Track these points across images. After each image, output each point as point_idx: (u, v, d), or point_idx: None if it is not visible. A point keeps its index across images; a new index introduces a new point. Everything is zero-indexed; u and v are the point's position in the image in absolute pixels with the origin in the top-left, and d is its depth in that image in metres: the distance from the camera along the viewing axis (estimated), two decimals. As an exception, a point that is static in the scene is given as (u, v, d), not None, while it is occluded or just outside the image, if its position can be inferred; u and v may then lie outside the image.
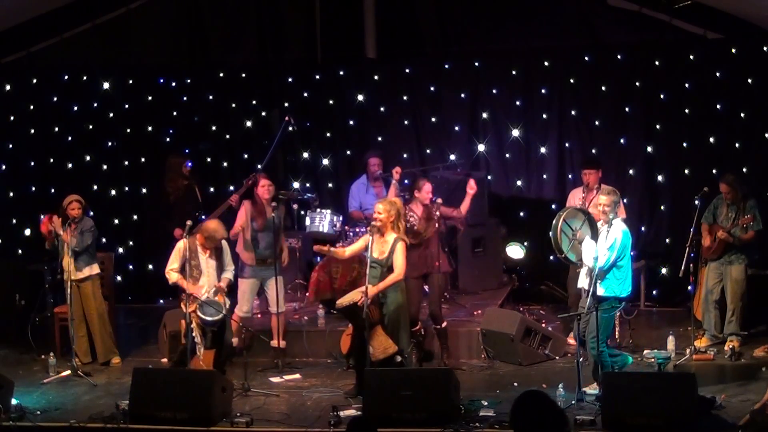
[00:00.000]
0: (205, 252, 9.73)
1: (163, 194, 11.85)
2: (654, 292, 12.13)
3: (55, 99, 13.22)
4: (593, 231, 8.93)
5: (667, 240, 12.03)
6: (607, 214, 8.92)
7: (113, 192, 13.23)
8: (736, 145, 11.88)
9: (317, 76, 13.01)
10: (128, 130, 13.19)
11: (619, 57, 12.19)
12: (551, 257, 12.40)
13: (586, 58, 12.35)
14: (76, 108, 13.22)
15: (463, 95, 12.71)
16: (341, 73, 12.98)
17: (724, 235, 10.35)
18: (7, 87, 13.09)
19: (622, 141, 12.32)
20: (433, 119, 12.80)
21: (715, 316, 10.59)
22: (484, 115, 12.68)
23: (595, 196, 10.68)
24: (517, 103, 12.62)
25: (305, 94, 13.02)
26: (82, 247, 10.40)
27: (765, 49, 11.63)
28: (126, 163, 13.22)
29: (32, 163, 13.28)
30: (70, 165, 13.22)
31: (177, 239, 10.06)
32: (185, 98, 13.16)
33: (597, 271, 8.78)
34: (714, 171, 11.56)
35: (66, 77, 13.21)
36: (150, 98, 13.15)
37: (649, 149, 12.24)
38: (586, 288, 8.99)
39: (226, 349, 9.86)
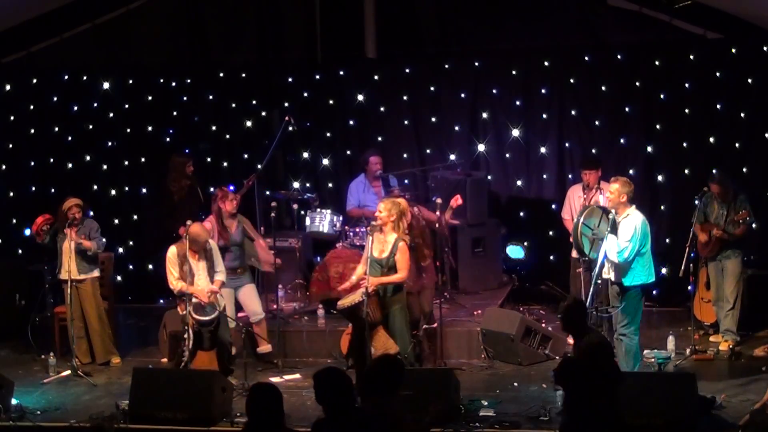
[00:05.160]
0: (194, 256, 9.77)
1: (165, 194, 11.83)
2: (654, 292, 12.08)
3: (55, 99, 13.20)
4: (611, 225, 9.12)
5: (667, 240, 12.01)
6: (615, 203, 9.14)
7: (113, 192, 13.21)
8: (736, 145, 11.87)
9: (317, 76, 12.99)
10: (128, 130, 13.17)
11: (619, 57, 12.17)
12: (551, 257, 12.44)
13: (586, 58, 12.33)
14: (76, 108, 13.20)
15: (463, 95, 12.69)
16: (341, 73, 12.96)
17: (720, 233, 10.37)
18: (7, 87, 13.08)
19: (622, 141, 12.31)
20: (433, 119, 12.78)
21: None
22: (484, 115, 12.66)
23: (594, 195, 10.74)
24: (517, 103, 12.60)
25: (305, 94, 12.99)
26: (102, 248, 10.62)
27: (765, 49, 11.63)
28: (126, 163, 13.20)
29: (32, 163, 13.27)
30: (70, 165, 13.21)
31: (181, 237, 10.06)
32: (185, 98, 13.14)
33: (623, 263, 9.03)
34: (714, 171, 11.54)
35: (66, 77, 13.19)
36: (150, 98, 13.13)
37: (649, 149, 12.23)
38: (614, 279, 9.22)
39: (226, 346, 9.87)
